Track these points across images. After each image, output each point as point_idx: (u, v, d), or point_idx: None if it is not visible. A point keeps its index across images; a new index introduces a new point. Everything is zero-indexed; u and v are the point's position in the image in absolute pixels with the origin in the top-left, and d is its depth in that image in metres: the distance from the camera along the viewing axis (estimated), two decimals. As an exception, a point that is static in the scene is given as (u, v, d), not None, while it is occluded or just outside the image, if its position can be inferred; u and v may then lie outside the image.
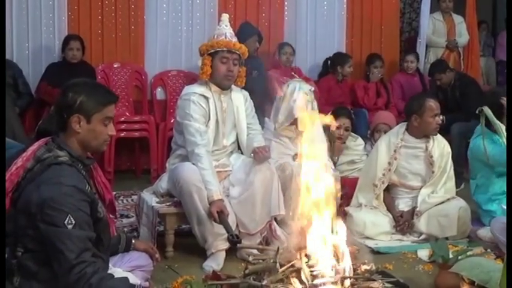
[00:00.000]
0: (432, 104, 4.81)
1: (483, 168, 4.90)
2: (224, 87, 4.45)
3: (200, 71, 4.42)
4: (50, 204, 2.63)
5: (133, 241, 3.38)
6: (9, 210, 2.76)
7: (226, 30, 4.44)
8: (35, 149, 2.81)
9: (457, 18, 8.00)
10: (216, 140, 4.43)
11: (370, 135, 6.03)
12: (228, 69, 4.37)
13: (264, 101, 5.07)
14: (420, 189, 4.84)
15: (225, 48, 4.36)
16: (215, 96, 4.42)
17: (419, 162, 4.88)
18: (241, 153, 4.56)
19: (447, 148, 4.91)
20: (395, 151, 4.85)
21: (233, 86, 4.53)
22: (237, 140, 4.55)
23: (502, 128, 4.82)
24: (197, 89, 4.41)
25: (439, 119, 4.83)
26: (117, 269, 3.08)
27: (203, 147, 4.23)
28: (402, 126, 4.95)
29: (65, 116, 2.80)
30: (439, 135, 4.92)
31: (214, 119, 4.40)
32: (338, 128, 5.45)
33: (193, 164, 4.19)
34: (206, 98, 4.38)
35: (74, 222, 2.64)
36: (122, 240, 3.32)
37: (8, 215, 2.77)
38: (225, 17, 4.55)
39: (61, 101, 2.83)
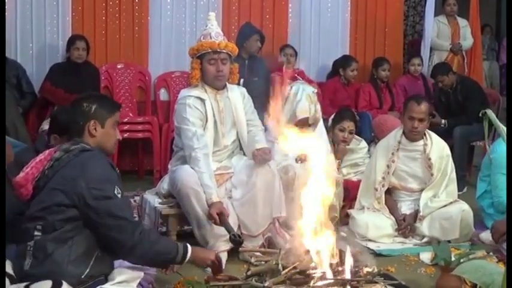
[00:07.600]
0: (413, 106, 4.73)
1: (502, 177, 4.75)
2: (218, 88, 4.44)
3: (189, 76, 4.43)
4: (98, 178, 2.93)
5: None
6: (33, 195, 2.97)
7: (211, 30, 4.41)
8: (55, 149, 3.05)
9: (462, 22, 7.99)
10: (216, 141, 4.43)
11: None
12: (217, 69, 4.36)
13: (267, 103, 5.05)
14: (421, 191, 4.83)
15: (210, 50, 4.35)
16: (211, 97, 4.41)
17: (417, 165, 4.86)
18: (243, 151, 4.55)
19: (447, 150, 4.89)
20: (393, 154, 4.84)
21: (229, 85, 4.52)
22: (238, 139, 4.53)
23: (505, 131, 4.83)
24: (192, 91, 4.40)
25: (416, 124, 4.72)
26: (123, 268, 3.15)
27: (200, 150, 4.22)
28: (400, 129, 4.93)
29: (81, 123, 3.08)
30: (437, 136, 4.90)
31: (212, 120, 4.39)
32: (342, 130, 5.43)
33: (192, 167, 4.19)
34: (202, 100, 4.37)
35: (120, 191, 2.98)
36: None
37: (29, 202, 2.97)
38: (212, 15, 4.53)
39: (75, 112, 3.12)
